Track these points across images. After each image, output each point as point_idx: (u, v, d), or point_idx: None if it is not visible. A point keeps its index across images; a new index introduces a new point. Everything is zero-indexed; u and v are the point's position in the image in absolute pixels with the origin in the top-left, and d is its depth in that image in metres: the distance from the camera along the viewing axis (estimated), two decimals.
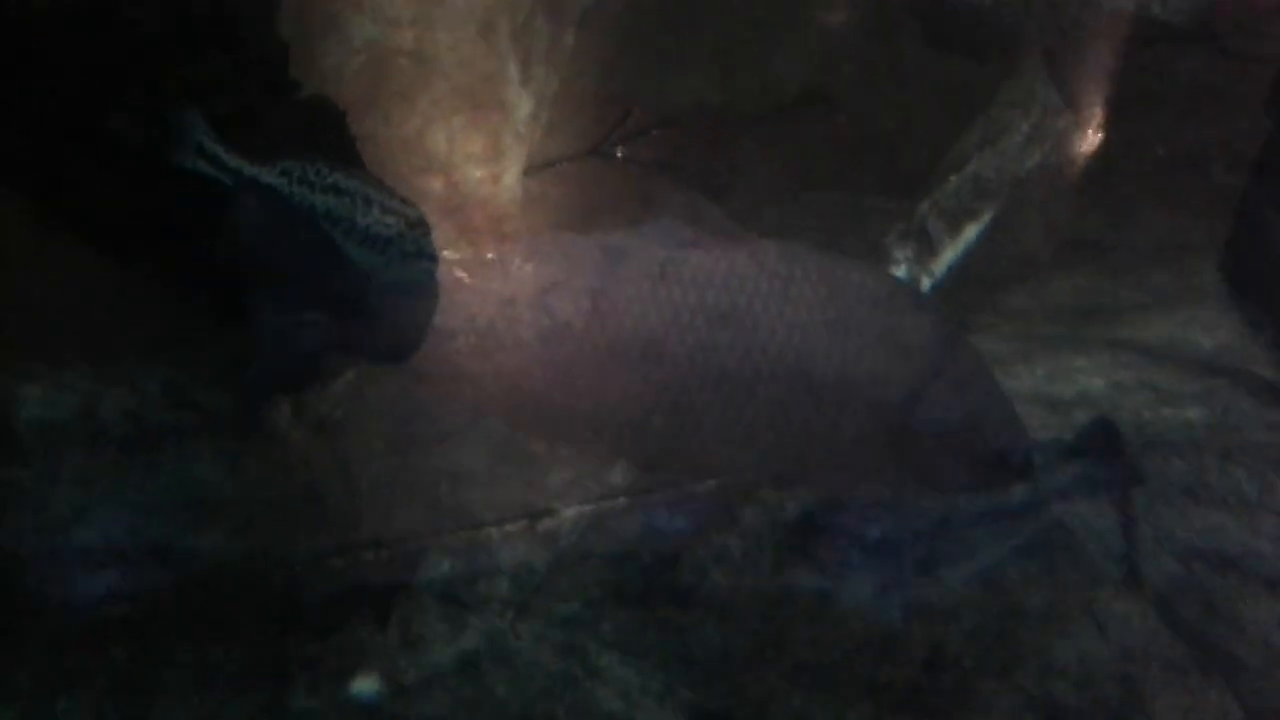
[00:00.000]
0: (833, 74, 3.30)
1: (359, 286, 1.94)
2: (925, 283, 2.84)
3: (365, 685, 2.19)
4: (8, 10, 1.92)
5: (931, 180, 3.03)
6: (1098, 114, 2.94)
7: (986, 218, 2.96)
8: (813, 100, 3.21)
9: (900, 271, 2.82)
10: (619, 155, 2.34)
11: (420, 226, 2.23)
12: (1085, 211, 3.13)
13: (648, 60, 2.88)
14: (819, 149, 3.12)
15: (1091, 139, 2.95)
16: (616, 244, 1.80)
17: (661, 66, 2.96)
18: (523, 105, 2.37)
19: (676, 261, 1.75)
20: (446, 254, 2.23)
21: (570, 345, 1.77)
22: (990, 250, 2.87)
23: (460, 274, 1.93)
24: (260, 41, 2.23)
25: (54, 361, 2.27)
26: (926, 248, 2.89)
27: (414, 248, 2.23)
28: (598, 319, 1.75)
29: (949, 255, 2.90)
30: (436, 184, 2.30)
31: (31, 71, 1.96)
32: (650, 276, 1.75)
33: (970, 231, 2.94)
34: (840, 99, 3.26)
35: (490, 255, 2.06)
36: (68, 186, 2.10)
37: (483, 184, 2.31)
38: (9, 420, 2.23)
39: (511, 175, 2.32)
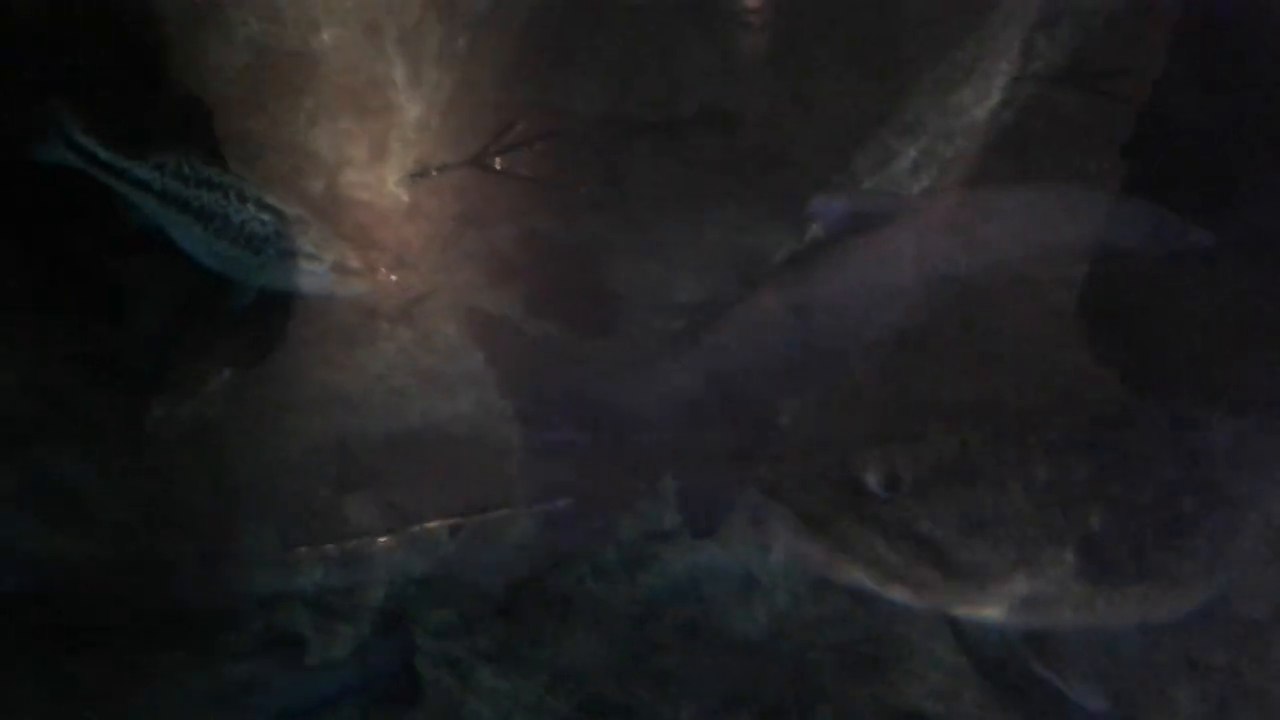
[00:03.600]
0: (736, 93, 3.32)
1: None
2: None
3: None
4: None
5: None
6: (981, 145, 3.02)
7: None
8: (713, 117, 3.23)
9: None
10: (496, 167, 2.33)
11: (297, 225, 2.20)
12: None
13: (547, 67, 2.87)
14: (713, 167, 3.15)
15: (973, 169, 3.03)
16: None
17: (561, 74, 2.95)
18: (411, 109, 2.35)
19: (864, 246, 1.74)
20: (324, 256, 2.21)
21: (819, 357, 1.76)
22: None
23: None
24: (138, 34, 2.19)
25: None
26: None
27: (291, 247, 2.20)
28: (828, 323, 1.74)
29: None
30: (318, 186, 2.28)
31: None
32: (846, 265, 1.74)
33: None
34: (741, 118, 3.28)
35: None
36: None
37: (365, 188, 2.28)
38: None
39: (395, 180, 2.30)
